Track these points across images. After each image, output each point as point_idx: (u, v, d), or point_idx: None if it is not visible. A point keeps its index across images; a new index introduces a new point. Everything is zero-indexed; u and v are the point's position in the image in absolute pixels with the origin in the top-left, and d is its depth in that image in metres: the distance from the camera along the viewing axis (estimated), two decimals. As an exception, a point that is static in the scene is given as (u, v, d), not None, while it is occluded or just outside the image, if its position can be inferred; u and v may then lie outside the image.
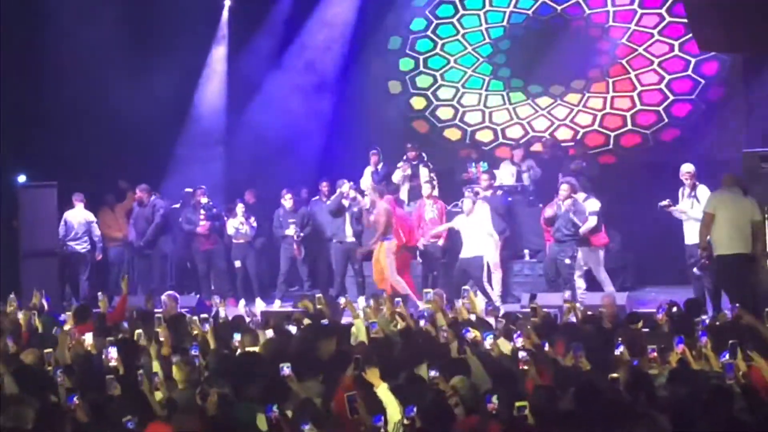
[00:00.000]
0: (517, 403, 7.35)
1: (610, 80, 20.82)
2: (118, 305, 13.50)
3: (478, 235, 16.50)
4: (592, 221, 16.14)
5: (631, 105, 20.62)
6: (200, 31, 20.89)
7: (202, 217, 18.35)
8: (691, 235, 14.69)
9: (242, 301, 17.91)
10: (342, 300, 13.26)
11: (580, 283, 16.19)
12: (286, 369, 8.57)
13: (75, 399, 8.00)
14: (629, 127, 20.58)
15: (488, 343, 9.85)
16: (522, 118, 21.43)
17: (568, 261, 16.00)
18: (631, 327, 11.03)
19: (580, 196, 16.31)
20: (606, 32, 20.94)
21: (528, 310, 12.67)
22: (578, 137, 20.73)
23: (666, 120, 20.26)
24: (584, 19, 21.04)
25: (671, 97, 20.27)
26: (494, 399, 7.54)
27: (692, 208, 14.95)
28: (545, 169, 18.55)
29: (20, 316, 12.46)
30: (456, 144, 21.68)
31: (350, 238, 17.54)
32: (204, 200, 18.44)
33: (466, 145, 21.54)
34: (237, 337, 10.61)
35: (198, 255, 18.66)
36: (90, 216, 18.18)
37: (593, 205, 16.32)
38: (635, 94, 20.64)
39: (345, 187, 17.48)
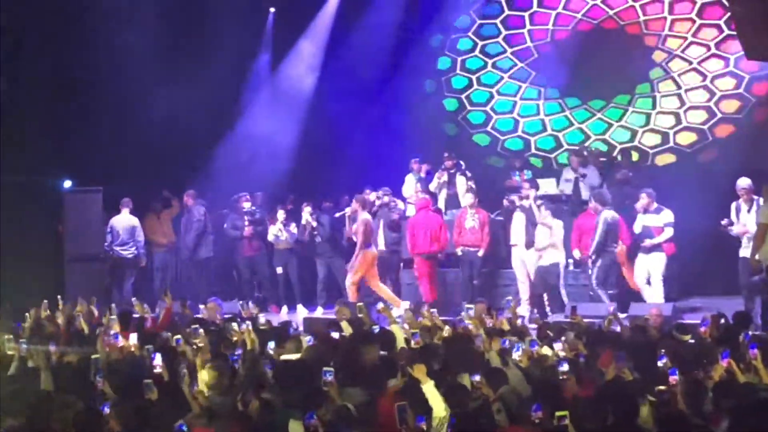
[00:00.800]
0: (558, 413, 7.28)
1: (658, 95, 20.69)
2: (163, 316, 13.51)
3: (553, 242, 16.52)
4: (669, 232, 16.11)
5: (675, 123, 20.56)
6: (244, 37, 20.95)
7: (246, 223, 18.37)
8: (749, 248, 14.53)
9: (284, 308, 17.91)
10: (379, 306, 13.23)
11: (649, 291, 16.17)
12: (329, 375, 8.53)
13: (107, 408, 7.98)
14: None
15: (517, 354, 9.77)
16: (555, 130, 21.35)
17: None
18: (678, 338, 10.91)
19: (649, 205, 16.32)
20: (661, 42, 20.79)
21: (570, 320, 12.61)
22: (616, 152, 20.62)
23: (710, 139, 20.22)
24: (638, 25, 20.89)
25: (718, 115, 20.17)
26: (539, 410, 7.48)
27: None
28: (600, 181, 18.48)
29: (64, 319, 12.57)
30: (484, 150, 21.61)
31: (382, 246, 17.68)
32: (247, 205, 18.47)
33: (496, 152, 21.48)
34: (271, 344, 10.59)
35: (241, 261, 18.70)
36: (135, 221, 18.23)
37: (668, 215, 16.27)
38: (681, 111, 20.54)
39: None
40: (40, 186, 17.32)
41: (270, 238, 18.30)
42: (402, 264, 18.08)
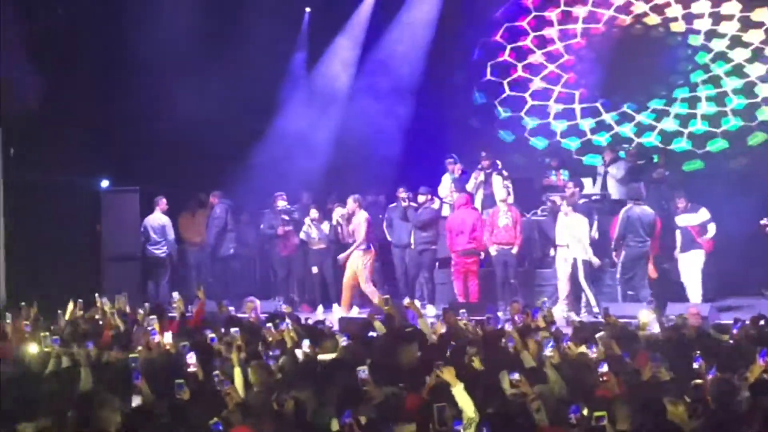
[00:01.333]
0: (596, 413, 7.25)
1: (702, 92, 20.61)
2: (196, 312, 13.57)
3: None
4: (712, 229, 16.17)
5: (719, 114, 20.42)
6: (280, 36, 21.00)
7: (287, 219, 18.40)
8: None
9: (320, 308, 17.92)
10: (406, 300, 13.23)
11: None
12: (363, 372, 8.54)
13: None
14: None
15: (548, 351, 9.74)
16: (597, 132, 21.30)
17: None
18: (716, 338, 10.85)
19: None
20: (697, 40, 20.70)
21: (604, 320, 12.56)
22: (661, 147, 20.52)
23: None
24: (678, 22, 20.79)
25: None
26: (579, 411, 7.46)
27: None
28: (631, 176, 18.41)
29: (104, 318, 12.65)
30: (539, 153, 21.59)
31: (413, 245, 17.82)
32: (281, 204, 18.50)
33: (548, 153, 21.43)
34: (306, 342, 10.60)
35: (277, 260, 18.74)
36: (166, 220, 18.32)
37: (705, 214, 16.20)
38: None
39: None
40: (78, 186, 17.42)
41: (301, 236, 18.31)
42: (438, 263, 18.07)
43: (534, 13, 21.90)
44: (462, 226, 17.06)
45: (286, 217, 18.45)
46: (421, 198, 17.85)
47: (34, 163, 16.82)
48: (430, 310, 16.81)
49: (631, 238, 16.16)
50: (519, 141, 21.89)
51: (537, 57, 21.90)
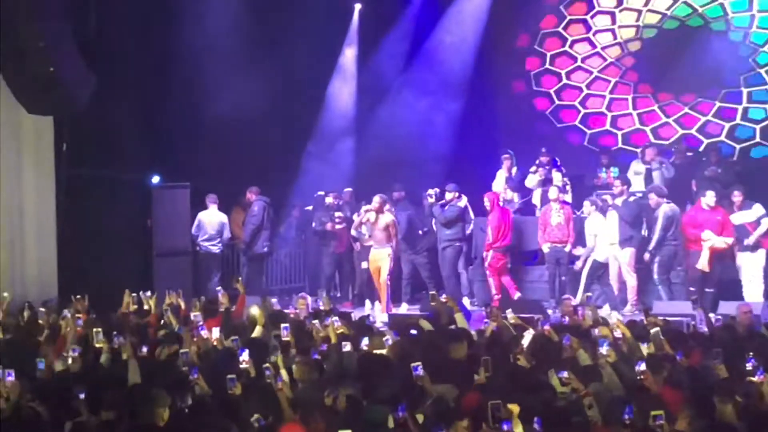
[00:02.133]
0: (653, 412, 7.19)
1: (745, 90, 20.41)
2: (238, 305, 13.62)
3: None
4: (765, 224, 16.05)
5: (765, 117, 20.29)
6: (330, 33, 21.03)
7: (338, 217, 18.41)
8: None
9: (368, 303, 17.88)
10: (444, 296, 13.25)
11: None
12: (418, 369, 8.54)
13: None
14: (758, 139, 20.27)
15: (604, 350, 9.67)
16: (647, 125, 21.14)
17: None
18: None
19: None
20: (747, 38, 20.50)
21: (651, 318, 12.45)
22: (705, 146, 20.37)
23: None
24: (725, 22, 20.61)
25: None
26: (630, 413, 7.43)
27: None
28: (677, 175, 18.26)
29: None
30: (578, 147, 21.47)
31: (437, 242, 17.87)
32: (329, 200, 18.50)
33: (588, 149, 21.33)
34: (365, 340, 10.60)
35: (327, 257, 18.75)
36: (223, 217, 18.40)
37: (759, 209, 16.08)
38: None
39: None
40: (130, 181, 17.53)
41: (352, 233, 18.31)
42: (464, 260, 18.03)
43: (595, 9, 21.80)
44: (492, 224, 17.11)
45: (339, 214, 18.43)
46: (448, 195, 17.80)
47: (86, 158, 16.96)
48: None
49: (669, 237, 16.12)
50: (571, 136, 21.77)
51: (590, 48, 21.80)
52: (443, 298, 13.11)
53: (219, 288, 14.65)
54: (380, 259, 17.00)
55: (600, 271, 16.87)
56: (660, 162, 18.36)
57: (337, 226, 18.48)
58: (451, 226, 17.73)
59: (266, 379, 8.66)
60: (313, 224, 18.87)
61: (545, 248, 17.16)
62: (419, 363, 8.63)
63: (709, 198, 16.11)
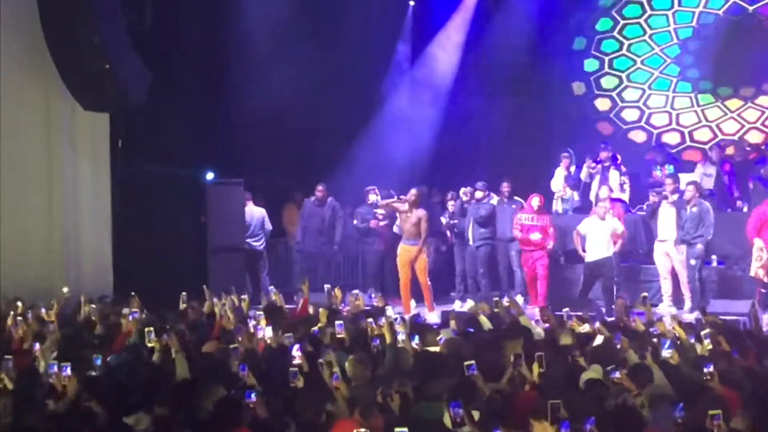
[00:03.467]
0: (711, 411, 7.11)
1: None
2: (301, 306, 13.60)
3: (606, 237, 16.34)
4: None
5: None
6: (384, 28, 21.03)
7: (381, 215, 18.37)
8: None
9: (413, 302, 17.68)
10: (506, 300, 13.19)
11: None
12: (473, 369, 8.50)
13: (253, 396, 8.04)
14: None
15: (666, 353, 9.58)
16: (710, 121, 20.96)
17: (693, 262, 16.11)
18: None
19: None
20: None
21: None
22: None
23: None
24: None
25: None
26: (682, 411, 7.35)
27: None
28: (736, 173, 18.08)
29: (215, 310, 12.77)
30: (641, 146, 21.33)
31: (471, 241, 17.80)
32: (372, 198, 18.47)
33: (652, 147, 21.17)
34: (416, 338, 10.58)
35: (370, 255, 18.75)
36: (262, 211, 18.43)
37: None
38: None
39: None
40: (184, 177, 17.61)
41: (395, 229, 18.22)
42: (518, 258, 17.87)
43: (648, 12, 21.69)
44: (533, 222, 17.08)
45: (381, 212, 18.38)
46: (478, 194, 17.73)
47: (141, 155, 17.05)
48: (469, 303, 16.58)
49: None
50: (618, 132, 21.67)
51: (641, 38, 21.68)
52: (505, 301, 13.08)
53: (272, 287, 14.62)
54: (408, 254, 16.86)
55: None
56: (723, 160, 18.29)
57: (381, 223, 18.44)
58: (487, 224, 17.69)
59: (321, 374, 8.66)
60: (355, 221, 18.85)
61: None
62: (473, 362, 8.60)
63: None
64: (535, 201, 17.20)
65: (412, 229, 16.77)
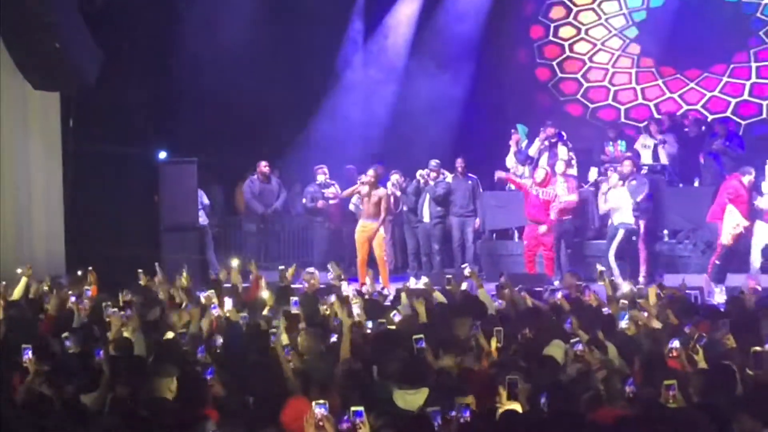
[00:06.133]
0: (666, 381, 7.19)
1: (754, 65, 20.38)
2: (253, 287, 13.59)
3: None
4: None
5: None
6: (338, 3, 21.08)
7: (331, 195, 18.42)
8: None
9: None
10: (467, 271, 13.25)
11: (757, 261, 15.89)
12: (421, 343, 8.57)
13: (211, 375, 8.06)
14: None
15: (624, 323, 9.70)
16: (649, 99, 21.11)
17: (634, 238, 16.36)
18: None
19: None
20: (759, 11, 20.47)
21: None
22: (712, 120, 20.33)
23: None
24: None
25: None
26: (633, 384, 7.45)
27: None
28: (688, 147, 18.23)
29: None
30: (578, 120, 21.43)
31: (427, 219, 17.94)
32: (321, 178, 18.58)
33: (587, 121, 21.31)
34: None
35: (319, 233, 18.89)
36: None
37: None
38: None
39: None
40: (137, 157, 17.51)
41: (351, 207, 18.27)
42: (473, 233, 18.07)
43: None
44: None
45: (333, 191, 18.42)
46: (432, 174, 17.96)
47: (93, 134, 16.91)
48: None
49: None
50: (572, 108, 21.78)
51: (598, 23, 21.77)
52: (467, 272, 13.14)
53: (234, 262, 14.59)
54: (366, 232, 16.87)
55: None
56: (662, 140, 18.36)
57: (331, 201, 18.49)
58: (443, 202, 17.92)
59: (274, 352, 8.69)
60: (304, 200, 18.88)
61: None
62: (421, 336, 8.66)
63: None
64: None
65: (372, 208, 16.80)
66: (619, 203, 16.39)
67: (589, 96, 21.72)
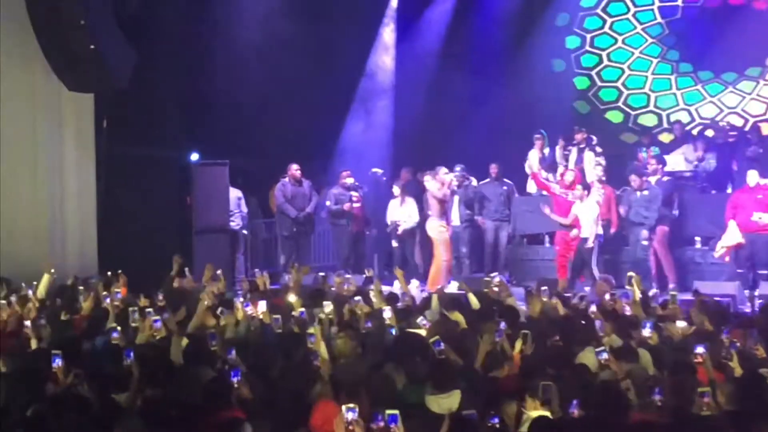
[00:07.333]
0: (700, 389, 7.16)
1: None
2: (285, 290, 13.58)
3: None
4: None
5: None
6: (369, 8, 21.18)
7: (356, 198, 18.45)
8: None
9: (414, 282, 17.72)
10: (497, 280, 13.23)
11: None
12: (440, 345, 8.57)
13: (237, 377, 8.01)
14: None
15: (646, 332, 9.65)
16: (689, 105, 21.00)
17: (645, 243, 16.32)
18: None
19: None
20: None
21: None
22: (748, 126, 20.20)
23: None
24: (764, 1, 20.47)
25: None
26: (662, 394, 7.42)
27: None
28: (719, 155, 18.13)
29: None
30: (617, 127, 21.35)
31: (456, 222, 18.02)
32: (349, 181, 18.56)
33: (628, 128, 21.23)
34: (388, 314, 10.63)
35: (343, 236, 18.79)
36: (238, 192, 18.42)
37: None
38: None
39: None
40: (169, 158, 17.60)
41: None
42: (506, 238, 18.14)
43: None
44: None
45: (356, 193, 18.44)
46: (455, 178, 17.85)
47: (126, 135, 17.03)
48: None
49: None
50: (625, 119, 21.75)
51: (633, 31, 21.69)
52: (496, 280, 13.13)
53: (257, 270, 14.60)
54: (445, 231, 16.94)
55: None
56: (702, 158, 18.29)
57: (355, 205, 18.50)
58: (472, 206, 18.11)
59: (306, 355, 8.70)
60: (328, 202, 18.86)
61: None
62: (437, 337, 8.69)
63: (751, 178, 15.95)
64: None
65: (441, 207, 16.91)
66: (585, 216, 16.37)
67: (629, 103, 21.63)
